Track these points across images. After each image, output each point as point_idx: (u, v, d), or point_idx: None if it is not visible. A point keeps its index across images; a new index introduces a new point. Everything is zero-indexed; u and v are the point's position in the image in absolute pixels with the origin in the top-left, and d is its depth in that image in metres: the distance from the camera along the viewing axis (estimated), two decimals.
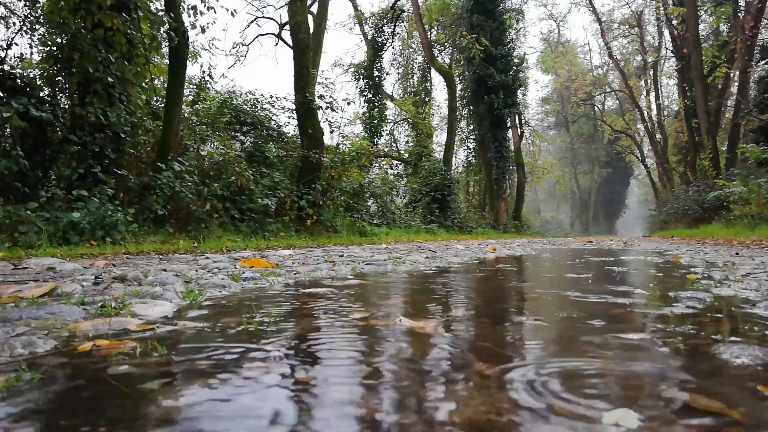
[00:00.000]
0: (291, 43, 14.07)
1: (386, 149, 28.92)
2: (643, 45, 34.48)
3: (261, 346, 1.30)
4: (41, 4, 8.58)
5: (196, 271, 3.41)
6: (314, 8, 19.18)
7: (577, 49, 50.27)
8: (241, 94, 14.64)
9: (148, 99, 10.52)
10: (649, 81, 36.70)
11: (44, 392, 0.93)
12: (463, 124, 31.23)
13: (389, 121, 30.19)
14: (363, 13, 29.18)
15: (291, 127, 15.45)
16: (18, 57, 9.18)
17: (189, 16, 9.78)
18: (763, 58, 20.71)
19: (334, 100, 14.55)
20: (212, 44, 22.77)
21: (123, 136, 8.32)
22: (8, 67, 7.99)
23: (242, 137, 13.82)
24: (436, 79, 31.99)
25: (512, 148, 30.04)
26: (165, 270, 3.33)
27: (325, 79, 17.18)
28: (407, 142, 30.54)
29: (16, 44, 8.95)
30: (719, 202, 16.72)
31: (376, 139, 27.31)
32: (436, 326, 1.55)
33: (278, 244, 8.71)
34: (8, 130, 7.20)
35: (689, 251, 6.73)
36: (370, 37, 29.05)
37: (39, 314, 1.63)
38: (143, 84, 10.01)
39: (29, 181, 7.22)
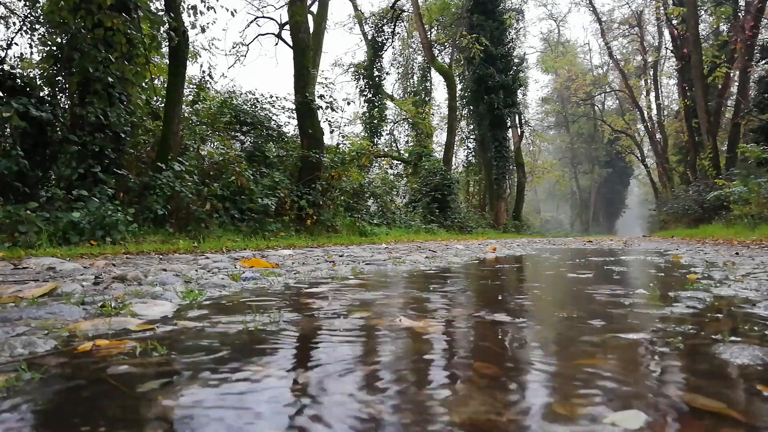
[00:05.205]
0: (291, 43, 14.07)
1: (386, 149, 28.88)
2: (643, 45, 34.48)
3: (261, 346, 1.30)
4: (41, 4, 8.59)
5: (196, 271, 3.41)
6: (314, 8, 19.18)
7: (577, 49, 50.36)
8: (241, 94, 14.63)
9: (148, 99, 10.52)
10: (649, 81, 36.70)
11: (44, 392, 0.93)
12: (463, 124, 31.23)
13: (389, 121, 30.20)
14: (363, 13, 29.18)
15: (291, 127, 15.45)
16: (18, 57, 9.20)
17: (189, 16, 9.80)
18: (763, 58, 20.72)
19: (334, 100, 14.57)
20: (212, 44, 22.80)
21: (123, 136, 8.32)
22: (8, 67, 7.98)
23: (242, 137, 13.81)
24: (436, 79, 32.04)
25: (512, 148, 30.06)
26: (165, 270, 3.33)
27: (325, 79, 17.19)
28: (407, 142, 30.54)
29: (16, 44, 8.98)
30: (719, 202, 16.73)
31: (376, 139, 27.30)
32: (436, 326, 1.55)
33: (278, 243, 8.71)
34: (8, 130, 7.20)
35: (689, 251, 6.73)
36: (370, 37, 29.03)
37: (39, 314, 1.63)
38: (143, 84, 10.02)
39: (29, 181, 7.22)
